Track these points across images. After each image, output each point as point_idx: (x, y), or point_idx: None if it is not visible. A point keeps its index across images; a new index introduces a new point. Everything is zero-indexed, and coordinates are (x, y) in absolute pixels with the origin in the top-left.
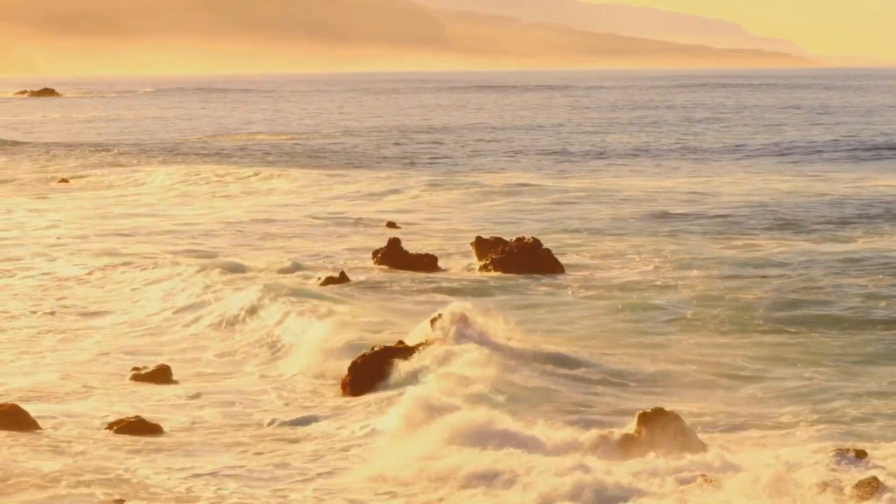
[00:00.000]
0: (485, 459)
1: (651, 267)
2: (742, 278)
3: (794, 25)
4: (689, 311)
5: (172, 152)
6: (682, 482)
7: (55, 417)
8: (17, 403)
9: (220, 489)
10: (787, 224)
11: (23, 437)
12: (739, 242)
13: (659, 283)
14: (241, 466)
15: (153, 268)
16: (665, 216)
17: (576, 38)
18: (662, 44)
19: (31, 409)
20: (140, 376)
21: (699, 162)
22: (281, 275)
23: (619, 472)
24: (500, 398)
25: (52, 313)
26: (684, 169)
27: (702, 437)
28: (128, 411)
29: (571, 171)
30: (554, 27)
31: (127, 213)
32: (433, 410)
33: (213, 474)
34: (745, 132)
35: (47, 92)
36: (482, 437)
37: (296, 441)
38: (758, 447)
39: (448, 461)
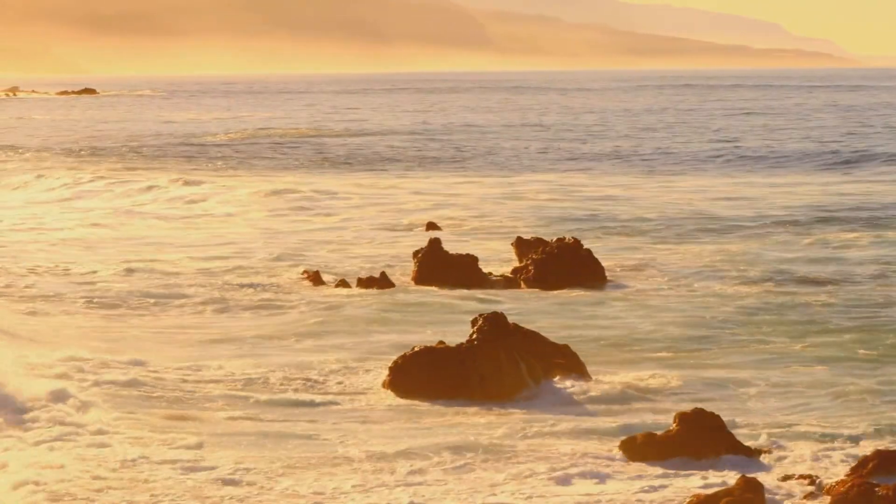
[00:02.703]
0: None
1: (701, 270)
2: (805, 283)
3: (834, 25)
4: (748, 319)
5: (188, 156)
6: (721, 483)
7: None
8: None
9: None
10: (850, 226)
11: None
12: (800, 246)
13: (714, 286)
14: None
15: None
16: (715, 219)
17: (617, 38)
18: (703, 44)
19: None
20: None
21: (753, 165)
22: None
23: (653, 469)
24: None
25: None
26: (734, 171)
27: (751, 441)
28: None
29: (617, 172)
30: (595, 27)
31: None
32: None
33: None
34: (799, 135)
35: (88, 91)
36: None
37: None
38: (807, 449)
39: None
